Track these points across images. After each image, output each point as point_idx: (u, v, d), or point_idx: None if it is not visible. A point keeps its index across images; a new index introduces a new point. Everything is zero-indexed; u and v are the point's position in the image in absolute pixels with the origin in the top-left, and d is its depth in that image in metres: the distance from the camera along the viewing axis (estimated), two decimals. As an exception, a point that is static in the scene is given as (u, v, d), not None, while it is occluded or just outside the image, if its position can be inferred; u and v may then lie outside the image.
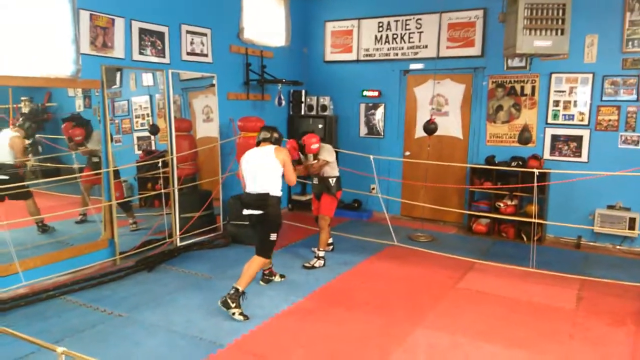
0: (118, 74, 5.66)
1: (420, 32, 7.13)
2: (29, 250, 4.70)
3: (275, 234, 4.27)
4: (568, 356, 3.51)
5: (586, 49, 6.09)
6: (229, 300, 3.97)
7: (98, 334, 3.73)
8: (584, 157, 6.22)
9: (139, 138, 6.23)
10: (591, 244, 6.20)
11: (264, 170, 4.20)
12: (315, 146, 5.18)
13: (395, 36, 7.33)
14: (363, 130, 7.74)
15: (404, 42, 7.26)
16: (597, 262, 5.60)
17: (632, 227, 5.84)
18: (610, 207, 6.09)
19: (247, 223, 5.95)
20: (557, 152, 6.39)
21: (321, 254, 5.34)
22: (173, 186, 5.81)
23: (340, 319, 4.07)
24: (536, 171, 5.34)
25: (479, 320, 4.07)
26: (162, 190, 5.81)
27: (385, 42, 7.41)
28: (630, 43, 5.84)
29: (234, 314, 3.96)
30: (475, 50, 6.77)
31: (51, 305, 4.23)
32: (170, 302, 4.34)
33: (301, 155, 5.44)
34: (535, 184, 5.32)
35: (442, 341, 3.70)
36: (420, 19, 7.11)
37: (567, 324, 4.02)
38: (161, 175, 5.81)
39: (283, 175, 4.32)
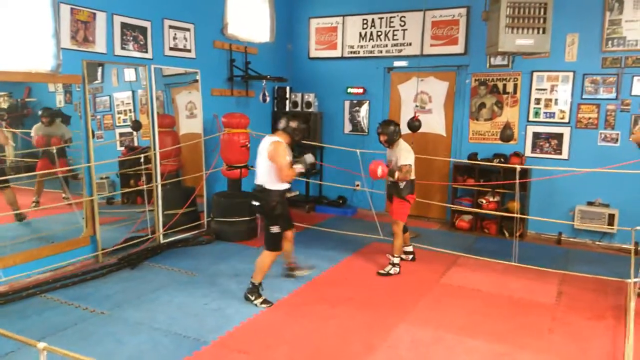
0: (100, 69, 5.58)
1: (404, 30, 7.16)
2: (8, 247, 4.62)
3: (276, 227, 4.22)
4: (548, 350, 3.57)
5: (567, 47, 6.18)
6: (248, 295, 4.23)
7: (80, 332, 3.69)
8: (565, 155, 6.32)
9: (121, 134, 6.15)
10: (571, 239, 6.31)
11: (260, 161, 4.20)
12: (379, 174, 4.83)
13: (379, 33, 7.35)
14: (347, 127, 7.75)
15: (388, 39, 7.29)
16: (577, 257, 5.70)
17: (611, 223, 5.96)
18: (590, 203, 6.20)
19: (231, 220, 6.04)
20: (538, 150, 6.48)
21: (396, 260, 5.04)
22: (156, 182, 5.76)
23: (324, 315, 4.08)
24: (518, 167, 5.41)
25: (461, 315, 4.12)
26: (145, 187, 5.75)
27: (370, 39, 7.43)
28: (609, 42, 5.94)
29: (256, 304, 4.18)
30: (458, 48, 6.83)
31: (31, 303, 4.17)
32: (154, 299, 4.31)
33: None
34: (517, 181, 5.39)
35: (425, 336, 3.74)
36: (404, 17, 7.14)
37: (547, 318, 4.09)
38: (144, 171, 5.75)
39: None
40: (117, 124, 6.07)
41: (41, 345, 1.94)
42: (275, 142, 4.13)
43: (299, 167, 4.26)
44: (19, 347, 3.33)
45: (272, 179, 4.16)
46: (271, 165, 4.12)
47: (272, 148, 4.09)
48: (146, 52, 5.60)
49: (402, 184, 4.97)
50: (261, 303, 4.20)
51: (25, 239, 4.91)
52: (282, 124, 4.28)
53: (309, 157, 4.35)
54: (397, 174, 4.92)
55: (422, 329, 3.86)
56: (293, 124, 4.24)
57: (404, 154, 4.97)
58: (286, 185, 4.27)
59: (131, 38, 5.42)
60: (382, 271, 5.03)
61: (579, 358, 3.48)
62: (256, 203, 4.26)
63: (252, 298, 4.22)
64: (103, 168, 5.55)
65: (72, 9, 4.78)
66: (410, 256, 5.48)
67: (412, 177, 5.05)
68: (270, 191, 4.19)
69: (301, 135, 4.32)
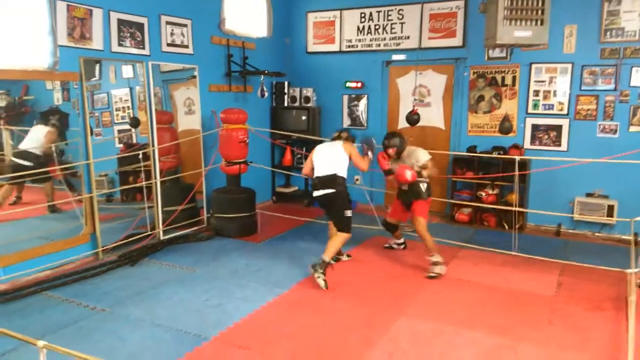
0: (97, 66, 5.57)
1: (402, 23, 7.13)
2: (9, 246, 4.62)
3: (350, 211, 4.73)
4: (548, 341, 3.58)
5: (565, 39, 6.16)
6: (318, 267, 4.51)
7: (81, 329, 3.70)
8: (564, 146, 6.32)
9: (119, 131, 6.15)
10: (571, 231, 6.32)
11: (333, 157, 4.79)
12: (409, 177, 4.82)
13: (377, 27, 7.33)
14: (346, 121, 7.74)
15: (386, 32, 7.27)
16: (577, 249, 5.71)
17: (610, 214, 5.96)
18: (589, 195, 6.20)
19: (231, 216, 6.04)
20: (537, 142, 6.48)
21: (435, 259, 4.85)
22: (155, 179, 5.75)
23: (325, 310, 4.09)
24: (517, 158, 5.40)
25: (461, 307, 4.14)
26: (144, 183, 5.75)
27: (368, 32, 7.41)
28: (608, 33, 5.92)
29: (317, 277, 4.47)
30: (456, 41, 6.81)
31: (32, 301, 4.18)
32: (154, 296, 4.32)
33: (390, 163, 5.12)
34: (517, 173, 5.39)
35: (425, 328, 3.75)
36: (402, 10, 7.11)
37: (547, 309, 4.10)
38: (142, 168, 5.75)
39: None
40: (116, 121, 6.06)
41: (41, 343, 1.94)
42: (347, 142, 4.91)
43: (369, 153, 4.95)
44: (19, 345, 3.34)
45: (344, 170, 4.77)
46: (345, 159, 4.78)
47: (351, 146, 4.88)
48: (143, 48, 5.59)
49: (423, 186, 4.99)
50: (322, 280, 4.48)
51: (25, 237, 4.92)
52: (336, 134, 5.13)
53: (373, 142, 5.05)
54: (425, 172, 4.96)
55: (422, 321, 3.87)
56: (344, 134, 5.05)
57: (421, 153, 5.03)
58: None
59: (128, 34, 5.41)
60: (432, 274, 4.80)
61: (579, 349, 3.49)
62: (328, 191, 4.68)
63: (320, 271, 4.48)
64: (102, 165, 5.55)
65: (68, 5, 4.76)
66: (402, 245, 5.65)
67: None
68: (343, 178, 4.75)
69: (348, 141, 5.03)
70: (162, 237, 5.78)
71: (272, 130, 7.53)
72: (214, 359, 3.35)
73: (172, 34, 5.95)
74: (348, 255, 5.34)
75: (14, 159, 4.98)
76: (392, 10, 7.19)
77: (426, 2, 6.84)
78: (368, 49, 7.43)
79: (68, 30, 4.79)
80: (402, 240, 5.67)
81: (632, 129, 5.94)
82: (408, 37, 7.11)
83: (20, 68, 4.45)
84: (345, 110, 7.73)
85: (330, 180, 4.70)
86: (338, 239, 4.70)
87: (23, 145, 5.08)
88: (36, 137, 5.13)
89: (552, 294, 4.43)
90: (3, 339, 3.35)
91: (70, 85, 5.03)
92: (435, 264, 4.83)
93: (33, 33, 4.53)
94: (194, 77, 6.30)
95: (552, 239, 6.14)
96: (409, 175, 4.82)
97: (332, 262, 4.69)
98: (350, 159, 4.83)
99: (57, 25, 4.67)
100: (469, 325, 3.81)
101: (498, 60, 6.58)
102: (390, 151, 5.05)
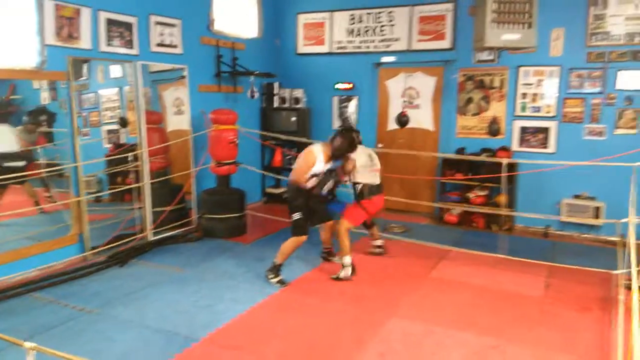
0: (85, 66, 5.53)
1: (392, 25, 7.16)
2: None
3: (297, 214, 4.56)
4: (537, 342, 3.62)
5: (552, 42, 6.23)
6: (268, 272, 4.61)
7: (69, 330, 3.66)
8: (551, 149, 6.38)
9: (108, 131, 6.10)
10: (558, 232, 6.38)
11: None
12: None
13: (367, 29, 7.35)
14: (336, 123, 7.75)
15: (376, 34, 7.29)
16: (564, 250, 5.77)
17: (597, 215, 6.04)
18: (577, 196, 6.27)
19: (221, 217, 6.02)
20: (525, 144, 6.54)
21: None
22: (144, 180, 5.71)
23: (316, 310, 4.09)
24: (504, 161, 5.44)
25: (451, 308, 4.16)
26: (132, 185, 5.71)
27: (357, 34, 7.43)
28: (594, 37, 6.00)
29: (272, 282, 4.57)
30: (446, 44, 6.85)
31: (19, 302, 4.13)
32: (143, 297, 4.29)
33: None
34: (505, 174, 5.43)
35: (416, 329, 3.76)
36: (392, 12, 7.14)
37: (536, 310, 4.14)
38: (132, 169, 5.71)
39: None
40: (104, 121, 6.02)
41: (29, 344, 1.91)
42: (309, 150, 4.53)
43: (313, 182, 4.50)
44: (7, 346, 3.29)
45: (294, 176, 4.60)
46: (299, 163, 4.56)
47: (303, 153, 4.56)
48: (132, 48, 5.54)
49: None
50: (277, 282, 4.56)
51: (12, 238, 4.85)
52: (332, 136, 4.55)
53: (327, 186, 4.52)
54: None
55: (413, 322, 3.88)
56: (337, 143, 4.47)
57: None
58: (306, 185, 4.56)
59: (117, 34, 5.36)
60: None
61: (567, 349, 3.53)
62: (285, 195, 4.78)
63: (271, 276, 4.58)
64: (90, 165, 5.50)
65: (56, 5, 4.72)
66: (380, 249, 5.53)
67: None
68: (290, 185, 4.65)
69: (340, 154, 4.51)
70: (151, 238, 5.74)
71: (262, 132, 7.51)
72: (204, 359, 3.34)
73: (161, 34, 5.91)
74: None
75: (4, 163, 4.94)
76: (382, 12, 7.22)
77: (416, 4, 6.88)
78: (358, 50, 7.45)
79: (56, 30, 4.74)
80: (380, 243, 5.52)
81: (618, 131, 6.02)
82: (398, 39, 7.14)
83: (7, 67, 4.40)
84: (336, 112, 7.74)
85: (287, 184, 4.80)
86: (287, 242, 4.62)
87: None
88: (7, 139, 5.05)
89: (540, 294, 4.47)
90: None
91: (57, 84, 4.97)
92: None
93: (20, 32, 4.48)
94: (184, 77, 6.27)
95: (540, 240, 6.20)
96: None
97: (283, 263, 4.69)
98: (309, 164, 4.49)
99: (45, 24, 4.62)
100: (459, 325, 3.83)
101: (486, 62, 6.63)
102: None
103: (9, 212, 4.98)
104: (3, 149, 4.98)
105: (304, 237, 4.62)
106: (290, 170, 5.25)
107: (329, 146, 4.49)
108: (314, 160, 4.43)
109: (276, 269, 4.60)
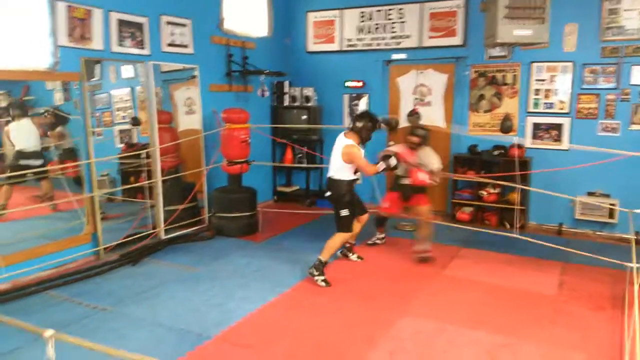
0: (97, 66, 5.58)
1: (403, 22, 7.13)
2: (11, 245, 4.63)
3: (346, 210, 4.63)
4: (550, 340, 3.58)
5: (565, 37, 6.15)
6: (313, 270, 4.57)
7: (83, 328, 3.70)
8: (565, 145, 6.31)
9: (120, 131, 6.16)
10: (572, 230, 6.31)
11: (333, 156, 4.67)
12: (426, 181, 4.98)
13: (377, 26, 7.32)
14: (347, 121, 7.74)
15: (386, 32, 7.26)
16: (578, 248, 5.68)
17: (611, 213, 5.96)
18: (591, 194, 6.19)
19: (232, 216, 6.06)
20: (538, 140, 6.47)
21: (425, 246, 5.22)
22: (156, 179, 5.75)
23: (326, 309, 4.09)
24: (517, 160, 5.41)
25: (463, 306, 4.14)
26: (145, 183, 5.75)
27: (368, 32, 7.40)
28: (608, 31, 5.91)
29: (317, 280, 4.55)
30: (457, 40, 6.80)
31: (34, 300, 4.19)
32: (156, 295, 4.32)
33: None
34: (518, 172, 5.38)
35: (427, 327, 3.75)
36: (402, 9, 7.10)
37: (549, 309, 4.10)
38: (144, 167, 5.75)
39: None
40: (116, 121, 6.07)
41: (48, 332, 1.90)
42: (348, 145, 4.52)
43: (382, 166, 4.52)
44: (25, 344, 3.35)
45: (340, 173, 4.62)
46: (343, 164, 4.56)
47: (346, 152, 4.51)
48: (143, 48, 5.58)
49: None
50: (322, 280, 4.55)
51: (27, 237, 4.92)
52: (351, 124, 4.66)
53: (392, 161, 4.53)
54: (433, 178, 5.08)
55: (425, 320, 3.87)
56: (359, 124, 4.57)
57: (436, 159, 5.21)
58: (352, 177, 4.67)
59: (128, 34, 5.41)
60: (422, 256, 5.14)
61: (581, 348, 3.49)
62: (328, 193, 4.71)
63: (316, 273, 4.56)
64: (103, 165, 5.56)
65: (68, 6, 4.77)
66: (383, 240, 5.78)
67: None
68: (339, 181, 4.63)
69: (368, 133, 4.61)
70: (163, 237, 5.78)
71: (275, 126, 7.52)
72: (216, 357, 3.36)
73: (172, 34, 5.95)
74: (359, 257, 5.29)
75: (23, 161, 5.06)
76: (392, 9, 7.18)
77: (426, 1, 6.83)
78: (368, 48, 7.43)
79: (68, 31, 4.79)
80: (383, 235, 5.78)
81: (633, 127, 5.93)
82: (408, 36, 7.11)
83: (20, 69, 4.46)
84: (346, 110, 7.72)
85: (328, 183, 4.74)
86: (335, 238, 4.68)
87: (21, 145, 5.08)
88: (33, 130, 5.20)
89: (554, 293, 4.43)
90: (11, 336, 3.39)
91: (70, 85, 5.04)
92: (425, 251, 5.12)
93: (33, 33, 4.54)
94: (194, 77, 6.29)
95: (553, 237, 6.13)
96: (426, 179, 4.95)
97: (330, 261, 4.71)
98: (349, 160, 4.54)
99: (58, 25, 4.67)
100: (471, 324, 3.81)
101: (499, 59, 6.57)
102: (415, 139, 5.13)
103: (21, 208, 5.04)
104: (24, 144, 5.07)
105: (350, 233, 4.77)
106: (301, 168, 5.27)
107: (352, 134, 4.60)
108: (359, 150, 4.55)
109: (322, 267, 4.60)
